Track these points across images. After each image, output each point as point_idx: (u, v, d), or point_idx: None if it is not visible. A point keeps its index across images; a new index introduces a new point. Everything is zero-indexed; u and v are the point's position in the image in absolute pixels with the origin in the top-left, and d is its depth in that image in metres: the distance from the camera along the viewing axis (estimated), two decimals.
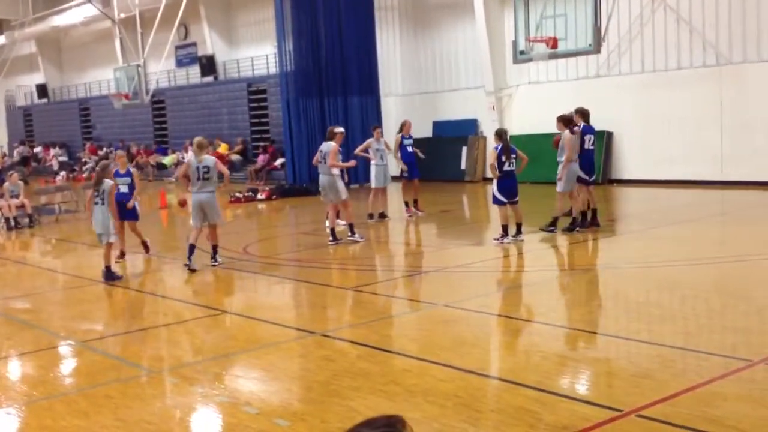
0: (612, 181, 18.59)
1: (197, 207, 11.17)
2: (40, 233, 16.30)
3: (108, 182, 10.96)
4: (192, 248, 11.07)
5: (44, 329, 8.78)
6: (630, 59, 19.24)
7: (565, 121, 12.50)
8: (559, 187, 12.52)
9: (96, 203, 10.87)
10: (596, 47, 15.13)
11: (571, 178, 12.43)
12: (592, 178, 13.00)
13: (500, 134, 12.16)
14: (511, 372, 6.42)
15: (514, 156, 11.91)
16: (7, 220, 17.65)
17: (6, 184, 18.42)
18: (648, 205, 16.15)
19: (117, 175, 12.05)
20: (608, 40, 18.37)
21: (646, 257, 10.85)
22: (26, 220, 17.84)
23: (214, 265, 11.25)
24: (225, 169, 11.52)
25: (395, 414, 2.01)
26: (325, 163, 12.98)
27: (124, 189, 12.02)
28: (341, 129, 13.44)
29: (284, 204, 20.63)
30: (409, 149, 15.93)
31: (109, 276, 10.67)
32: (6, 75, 42.59)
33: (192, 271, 11.01)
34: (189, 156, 10.93)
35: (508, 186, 11.91)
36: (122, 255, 12.34)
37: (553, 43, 15.24)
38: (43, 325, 9.06)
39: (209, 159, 11.22)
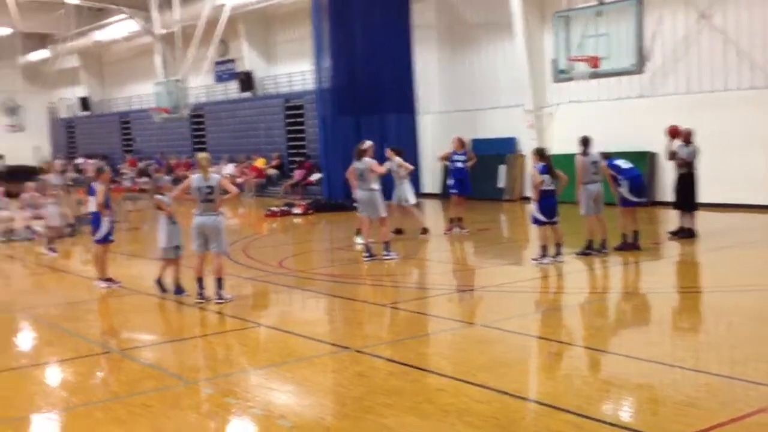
0: (656, 203, 18.30)
1: (199, 231, 9.93)
2: (80, 242, 16.49)
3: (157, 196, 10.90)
4: (200, 282, 10.03)
5: (84, 337, 8.86)
6: (675, 80, 18.99)
7: (581, 143, 12.39)
8: (581, 210, 12.37)
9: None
10: (639, 67, 14.98)
11: (588, 200, 12.22)
12: (643, 200, 12.83)
13: (541, 153, 12.06)
14: (549, 395, 6.29)
15: (553, 175, 11.80)
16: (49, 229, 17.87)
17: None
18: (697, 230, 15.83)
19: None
20: (653, 60, 18.18)
21: (691, 282, 10.62)
22: (68, 229, 18.07)
23: (218, 302, 9.86)
24: (232, 187, 10.13)
25: None
26: (363, 180, 12.95)
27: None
28: (369, 142, 13.45)
29: (320, 219, 20.66)
30: (459, 165, 15.90)
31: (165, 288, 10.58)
32: (50, 88, 43.42)
33: (207, 300, 10.01)
34: (192, 176, 10.17)
35: (549, 205, 11.79)
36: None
37: (595, 62, 15.14)
38: (83, 333, 9.14)
39: (214, 178, 9.98)
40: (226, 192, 9.99)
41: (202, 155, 10.32)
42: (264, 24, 31.69)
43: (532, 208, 12.06)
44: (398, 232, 15.50)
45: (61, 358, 7.89)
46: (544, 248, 11.78)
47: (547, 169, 11.77)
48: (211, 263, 10.12)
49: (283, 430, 5.54)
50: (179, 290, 10.46)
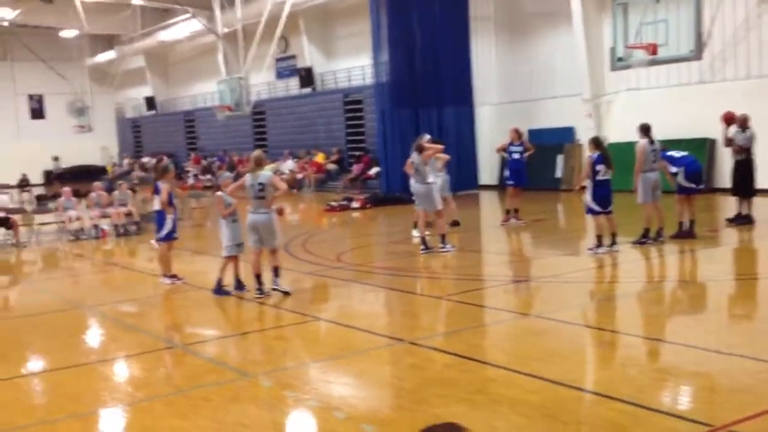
0: (715, 190, 17.96)
1: (252, 228, 10.16)
2: (146, 240, 17.00)
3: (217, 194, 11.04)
4: (258, 278, 10.28)
5: (148, 332, 9.19)
6: (735, 65, 18.57)
7: (642, 130, 12.22)
8: (639, 198, 12.24)
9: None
10: (698, 53, 14.74)
11: (645, 188, 12.08)
12: (700, 187, 12.69)
13: (597, 142, 11.99)
14: (601, 384, 6.33)
15: (609, 164, 11.72)
16: (115, 227, 18.49)
17: (115, 193, 19.32)
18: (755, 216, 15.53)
19: None
20: (711, 46, 17.82)
21: (748, 269, 10.46)
22: (133, 227, 18.63)
23: (275, 289, 10.27)
24: (282, 184, 10.20)
25: (455, 422, 2.03)
26: (419, 173, 13.06)
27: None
28: (428, 136, 13.60)
29: (378, 213, 20.84)
30: (516, 156, 15.90)
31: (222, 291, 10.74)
32: (116, 88, 44.64)
33: (266, 295, 10.25)
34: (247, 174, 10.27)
35: (604, 195, 11.72)
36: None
37: (653, 49, 14.95)
38: (147, 328, 9.47)
39: (264, 175, 10.14)
40: (278, 189, 10.12)
41: (255, 153, 10.57)
42: (323, 20, 32.01)
43: (587, 197, 12.00)
44: (455, 224, 15.58)
45: (126, 354, 8.19)
46: (599, 238, 11.72)
47: (603, 159, 11.70)
48: (267, 259, 10.37)
49: (337, 422, 5.70)
50: (240, 286, 10.73)
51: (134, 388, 7.05)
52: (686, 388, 6.10)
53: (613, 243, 11.80)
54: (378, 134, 24.54)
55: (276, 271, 10.27)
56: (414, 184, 13.37)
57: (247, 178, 10.20)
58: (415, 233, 14.09)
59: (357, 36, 29.31)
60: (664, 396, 5.91)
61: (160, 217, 11.69)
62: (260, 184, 10.02)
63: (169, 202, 11.62)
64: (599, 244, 11.70)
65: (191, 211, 22.51)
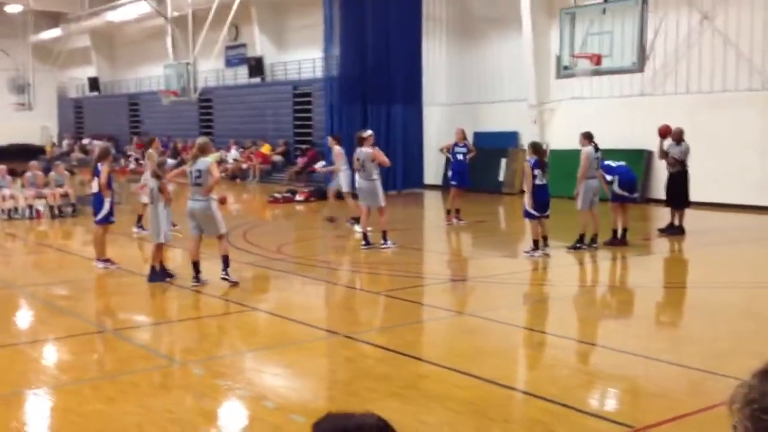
0: (650, 200, 18.44)
1: (191, 215, 10.01)
2: (82, 222, 16.70)
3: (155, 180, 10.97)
4: (195, 265, 10.09)
5: (78, 316, 9.04)
6: (675, 80, 19.08)
7: (586, 137, 12.50)
8: (578, 204, 12.50)
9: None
10: (640, 66, 15.10)
11: (588, 195, 12.34)
12: (633, 196, 13.02)
13: (535, 147, 12.22)
14: (529, 384, 6.48)
15: (545, 170, 11.93)
16: (51, 208, 18.12)
17: (52, 174, 18.91)
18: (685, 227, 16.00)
19: None
20: (654, 59, 18.25)
21: (676, 277, 10.79)
22: (69, 209, 18.29)
23: (224, 279, 10.06)
24: (215, 173, 9.94)
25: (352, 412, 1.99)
26: (364, 169, 13.12)
27: None
28: (369, 131, 13.67)
29: (322, 206, 20.80)
30: (459, 157, 16.05)
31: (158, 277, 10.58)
32: (60, 67, 43.60)
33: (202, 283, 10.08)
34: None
35: (542, 200, 11.91)
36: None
37: (597, 59, 15.23)
38: (78, 312, 9.32)
39: (203, 162, 9.92)
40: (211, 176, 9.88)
41: (200, 139, 10.47)
42: (276, 10, 31.78)
43: (525, 201, 12.16)
44: (331, 220, 15.94)
45: (54, 336, 8.06)
46: (536, 242, 11.93)
47: (539, 164, 11.89)
48: (211, 246, 10.27)
49: (266, 411, 5.71)
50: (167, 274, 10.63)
51: (61, 371, 6.96)
52: (610, 390, 6.28)
53: (545, 245, 11.99)
54: (326, 128, 24.48)
55: (224, 260, 10.07)
56: (359, 180, 13.42)
57: (188, 164, 10.12)
58: (358, 229, 14.14)
59: (309, 28, 29.17)
60: (589, 397, 6.08)
61: (97, 200, 11.50)
62: (198, 171, 9.87)
63: (108, 185, 11.44)
64: (536, 248, 11.90)
65: (130, 195, 22.15)
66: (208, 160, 10.18)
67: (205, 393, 6.19)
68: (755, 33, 17.59)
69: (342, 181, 15.77)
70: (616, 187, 12.67)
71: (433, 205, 21.55)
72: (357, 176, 13.46)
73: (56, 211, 18.07)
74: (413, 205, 20.61)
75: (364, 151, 13.14)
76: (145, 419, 5.54)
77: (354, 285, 10.91)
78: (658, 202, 17.12)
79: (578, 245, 12.40)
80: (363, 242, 13.11)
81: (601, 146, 12.95)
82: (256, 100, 31.66)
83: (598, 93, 20.48)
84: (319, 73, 27.15)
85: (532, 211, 11.92)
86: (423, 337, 8.14)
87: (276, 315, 8.96)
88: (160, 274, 10.46)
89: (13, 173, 20.13)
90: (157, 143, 15.49)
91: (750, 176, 17.55)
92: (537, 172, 11.86)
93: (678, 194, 13.87)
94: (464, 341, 7.70)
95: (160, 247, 10.48)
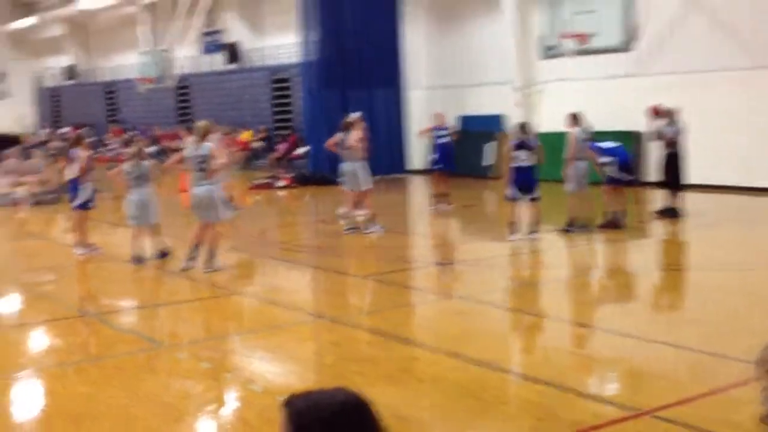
0: (644, 183, 18.30)
1: (196, 202, 9.81)
2: (62, 210, 16.37)
3: (147, 163, 10.79)
4: (195, 248, 9.79)
5: (61, 300, 8.84)
6: (662, 59, 18.93)
7: (572, 119, 12.32)
8: (567, 187, 12.32)
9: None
10: (627, 45, 14.91)
11: (576, 177, 12.13)
12: (632, 178, 12.81)
13: (521, 128, 12.03)
14: (523, 366, 6.32)
15: (531, 151, 11.65)
16: (31, 195, 17.81)
17: (32, 161, 18.57)
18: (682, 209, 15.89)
19: None
20: (641, 39, 18.13)
21: (674, 260, 10.67)
22: (49, 197, 17.98)
23: (207, 271, 9.71)
24: (222, 155, 9.85)
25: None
26: (349, 152, 12.86)
27: None
28: (355, 115, 13.37)
29: (304, 192, 20.59)
30: (442, 140, 15.83)
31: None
32: (36, 56, 42.98)
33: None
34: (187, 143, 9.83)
35: (521, 181, 11.67)
36: None
37: (584, 39, 15.05)
38: (60, 296, 9.13)
39: (205, 146, 9.68)
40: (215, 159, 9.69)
41: (201, 123, 10.02)
42: None
43: (507, 183, 11.96)
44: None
45: (36, 320, 7.87)
46: (512, 224, 11.69)
47: (522, 144, 11.68)
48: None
49: (252, 394, 5.54)
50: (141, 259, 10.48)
51: (44, 354, 6.79)
52: (608, 372, 6.13)
53: (534, 231, 11.76)
54: (305, 113, 24.22)
55: (211, 251, 9.74)
56: (343, 163, 13.16)
57: (188, 150, 9.71)
58: (344, 212, 13.86)
59: (286, 13, 28.78)
60: (587, 379, 5.93)
61: (74, 186, 11.22)
62: (201, 156, 9.55)
63: (87, 171, 11.16)
64: (512, 231, 11.66)
65: (109, 182, 21.82)
66: (210, 144, 9.87)
67: (190, 376, 6.02)
68: (742, 10, 17.45)
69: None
70: (614, 170, 12.37)
71: (418, 190, 21.38)
72: (344, 160, 13.15)
73: (36, 199, 17.74)
74: (397, 191, 20.42)
75: (353, 133, 12.89)
76: (130, 402, 5.42)
77: (338, 269, 10.70)
78: (648, 184, 16.96)
79: (569, 228, 12.18)
80: (347, 227, 12.88)
81: (592, 128, 12.78)
82: (234, 86, 31.27)
83: (585, 74, 20.28)
84: (297, 58, 26.82)
85: (510, 193, 11.73)
86: (412, 320, 7.97)
87: (260, 299, 8.79)
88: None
89: None
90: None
91: (740, 156, 17.45)
92: (520, 153, 11.62)
93: (673, 176, 13.65)
94: (455, 324, 7.52)
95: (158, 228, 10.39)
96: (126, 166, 10.63)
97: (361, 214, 13.23)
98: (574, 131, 12.20)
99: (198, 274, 9.65)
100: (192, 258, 9.82)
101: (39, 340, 7.41)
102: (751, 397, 5.16)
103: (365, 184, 12.99)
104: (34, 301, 8.96)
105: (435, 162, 15.96)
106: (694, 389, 5.41)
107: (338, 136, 13.02)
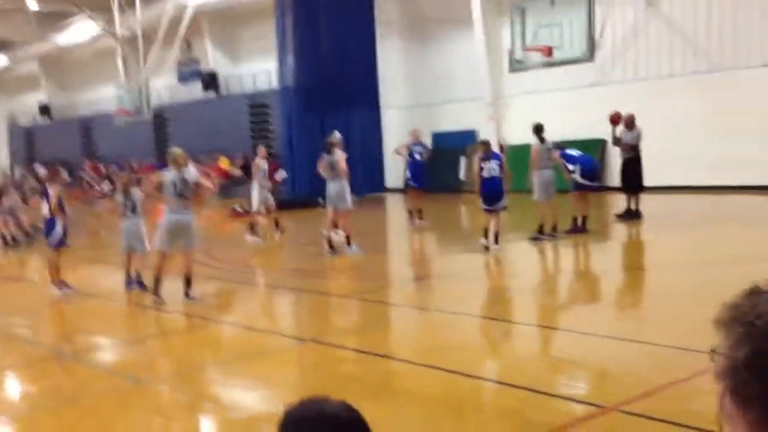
0: (606, 188, 18.53)
1: (175, 230, 9.48)
2: (37, 250, 16.27)
3: (138, 192, 10.83)
4: (158, 281, 9.63)
5: (34, 342, 8.77)
6: (623, 67, 19.25)
7: (534, 131, 12.75)
8: (535, 196, 12.68)
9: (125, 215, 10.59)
10: (590, 55, 15.22)
11: (542, 186, 12.49)
12: (595, 184, 13.13)
13: (483, 145, 12.28)
14: (498, 373, 6.41)
15: (497, 164, 11.80)
16: (3, 237, 17.67)
17: (4, 200, 18.40)
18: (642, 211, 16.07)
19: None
20: (603, 49, 18.44)
21: (636, 261, 10.86)
22: (24, 237, 17.87)
23: (189, 300, 9.60)
24: (208, 183, 9.62)
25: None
26: (335, 172, 12.87)
27: None
28: (338, 135, 13.42)
29: (283, 217, 20.55)
30: (417, 156, 15.95)
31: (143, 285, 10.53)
32: (8, 94, 42.78)
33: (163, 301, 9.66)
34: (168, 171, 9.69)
35: (486, 193, 11.82)
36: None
37: (548, 51, 15.30)
38: (34, 338, 9.05)
39: (191, 171, 9.58)
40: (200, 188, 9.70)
41: (174, 151, 9.79)
42: (228, 23, 31.50)
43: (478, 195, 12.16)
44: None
45: (10, 364, 7.76)
46: (486, 231, 11.88)
47: (485, 158, 11.86)
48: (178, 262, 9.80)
49: (235, 423, 5.52)
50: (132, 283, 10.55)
51: (19, 399, 6.68)
52: (579, 373, 6.24)
53: (495, 242, 11.89)
54: (284, 139, 24.29)
55: (188, 281, 9.62)
56: (329, 183, 13.13)
57: (169, 175, 9.49)
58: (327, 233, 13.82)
59: (263, 39, 28.96)
60: (559, 381, 6.00)
61: (49, 224, 11.12)
62: (183, 180, 9.36)
63: (60, 208, 11.08)
64: (486, 236, 11.88)
65: (85, 218, 21.76)
66: (194, 170, 9.78)
67: (170, 410, 6.01)
68: (699, 16, 17.82)
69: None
70: (578, 177, 12.75)
71: (395, 208, 21.45)
72: (329, 180, 13.11)
73: (10, 240, 17.60)
74: (376, 210, 20.48)
75: (338, 153, 12.92)
76: None
77: (318, 290, 10.72)
78: (613, 189, 17.18)
79: (538, 236, 12.46)
80: (327, 248, 12.89)
81: (560, 137, 13.14)
82: (212, 114, 31.29)
83: (550, 86, 20.56)
84: (274, 84, 26.92)
85: (481, 204, 11.92)
86: (391, 336, 8.04)
87: (238, 326, 8.78)
88: (139, 283, 10.54)
89: None
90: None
91: (701, 157, 17.79)
92: (485, 165, 11.79)
93: (633, 179, 14.02)
94: (433, 337, 7.61)
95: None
96: (118, 196, 10.78)
97: (340, 234, 13.25)
98: (535, 143, 12.55)
99: (176, 305, 9.60)
100: (157, 291, 9.66)
101: (12, 384, 7.31)
102: (711, 387, 5.26)
103: (348, 204, 13.02)
104: (5, 343, 8.83)
105: (410, 179, 16.11)
106: (657, 381, 5.55)
107: (325, 158, 13.04)
